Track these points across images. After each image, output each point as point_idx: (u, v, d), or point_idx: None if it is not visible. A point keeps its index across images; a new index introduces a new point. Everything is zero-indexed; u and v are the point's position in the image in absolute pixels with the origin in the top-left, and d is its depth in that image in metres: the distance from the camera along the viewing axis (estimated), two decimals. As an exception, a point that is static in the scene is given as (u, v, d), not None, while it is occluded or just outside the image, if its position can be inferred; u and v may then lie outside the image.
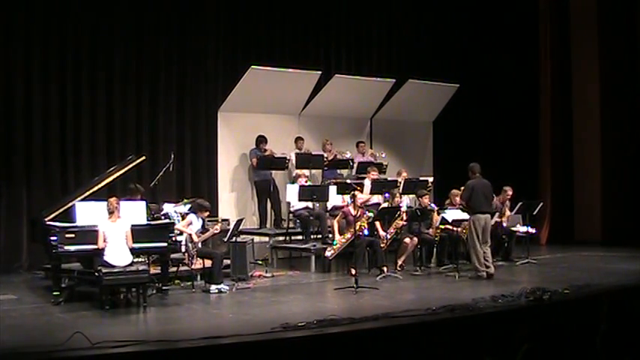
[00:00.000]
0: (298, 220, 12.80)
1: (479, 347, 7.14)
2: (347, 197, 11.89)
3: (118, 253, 8.68)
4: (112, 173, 10.09)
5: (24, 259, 11.77)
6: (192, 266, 10.03)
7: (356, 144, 14.62)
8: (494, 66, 16.60)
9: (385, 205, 12.07)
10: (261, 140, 13.38)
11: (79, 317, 8.18)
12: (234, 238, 10.73)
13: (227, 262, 10.57)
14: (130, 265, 8.71)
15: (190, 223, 9.98)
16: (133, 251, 8.87)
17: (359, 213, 11.23)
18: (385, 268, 11.14)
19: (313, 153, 13.70)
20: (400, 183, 12.87)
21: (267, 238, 12.79)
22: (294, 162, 13.46)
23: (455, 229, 11.84)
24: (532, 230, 13.27)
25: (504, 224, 12.74)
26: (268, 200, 13.47)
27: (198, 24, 13.56)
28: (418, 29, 16.52)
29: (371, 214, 11.54)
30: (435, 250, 12.39)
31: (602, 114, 15.92)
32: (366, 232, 11.36)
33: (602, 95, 15.93)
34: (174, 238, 9.57)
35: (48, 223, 9.16)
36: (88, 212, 9.18)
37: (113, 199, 9.02)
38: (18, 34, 11.79)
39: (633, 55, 15.65)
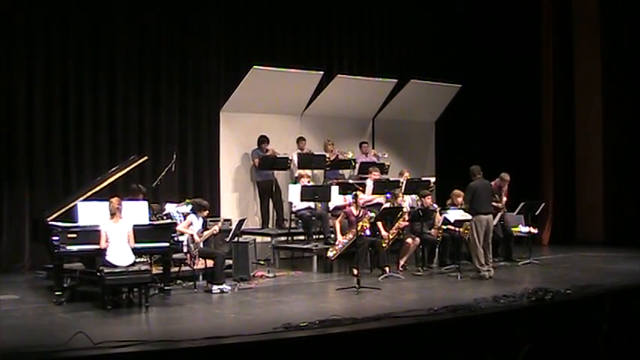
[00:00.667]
0: (300, 221, 12.80)
1: (481, 347, 7.14)
2: (349, 197, 11.89)
3: (120, 253, 8.68)
4: (114, 173, 10.08)
5: (26, 259, 11.76)
6: (194, 266, 10.03)
7: (359, 144, 14.62)
8: (496, 66, 16.60)
9: (387, 205, 12.07)
10: (262, 140, 13.38)
11: (81, 317, 8.18)
12: (236, 238, 10.73)
13: (229, 262, 10.57)
14: (132, 265, 8.71)
15: (191, 224, 9.98)
16: (135, 251, 8.86)
17: (361, 213, 11.23)
18: (387, 269, 11.14)
19: (315, 153, 13.70)
20: (402, 183, 12.87)
21: (269, 239, 12.79)
22: (296, 162, 13.47)
23: (457, 229, 11.83)
24: (534, 230, 13.27)
25: (501, 213, 12.57)
26: (270, 200, 13.48)
27: (200, 24, 13.56)
28: (420, 29, 16.51)
29: (373, 215, 11.53)
30: (437, 250, 12.38)
31: (605, 114, 15.91)
32: (367, 232, 11.35)
33: (604, 95, 15.92)
34: (176, 239, 9.58)
35: (50, 223, 9.15)
36: (90, 212, 9.18)
37: (115, 200, 9.03)
38: (20, 35, 11.78)
39: (636, 55, 15.62)
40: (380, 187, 12.63)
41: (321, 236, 12.47)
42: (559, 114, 16.34)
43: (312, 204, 12.44)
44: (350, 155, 13.95)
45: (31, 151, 11.90)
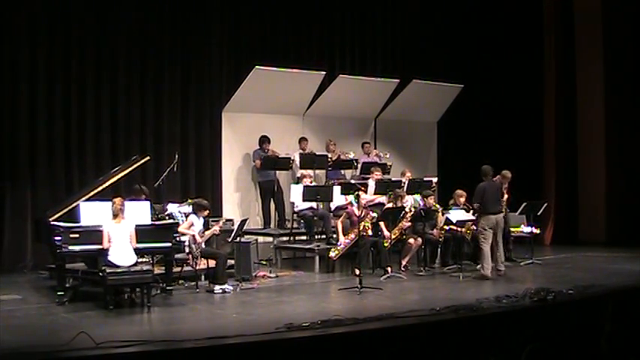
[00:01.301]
0: (302, 221, 12.80)
1: (483, 348, 7.14)
2: (350, 197, 11.88)
3: (122, 253, 8.69)
4: (116, 173, 10.09)
5: (28, 259, 11.77)
6: (196, 266, 10.04)
7: (361, 144, 14.63)
8: (498, 66, 16.59)
9: (389, 205, 12.07)
10: (264, 140, 13.39)
11: (83, 317, 8.19)
12: (238, 239, 10.73)
13: (231, 262, 10.57)
14: (134, 265, 8.71)
15: (192, 225, 9.97)
16: (137, 251, 8.87)
17: (363, 213, 11.22)
18: (389, 269, 11.15)
19: (317, 153, 13.69)
20: (404, 183, 12.88)
21: (271, 239, 12.80)
22: (298, 162, 13.47)
23: (459, 229, 11.83)
24: (536, 231, 13.26)
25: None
26: (272, 200, 13.48)
27: (202, 24, 13.57)
28: (422, 29, 16.50)
29: (375, 215, 11.53)
30: (439, 250, 12.38)
31: (607, 114, 15.89)
32: (370, 232, 11.35)
33: (606, 96, 15.90)
34: (177, 239, 9.58)
35: (52, 223, 9.16)
36: (92, 212, 9.19)
37: (118, 200, 9.03)
38: (22, 35, 11.80)
39: (638, 55, 15.61)
40: (382, 187, 12.64)
41: (323, 236, 12.48)
42: (561, 114, 16.32)
43: (314, 204, 12.44)
44: (352, 155, 13.95)
45: (33, 151, 11.92)
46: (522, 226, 13.13)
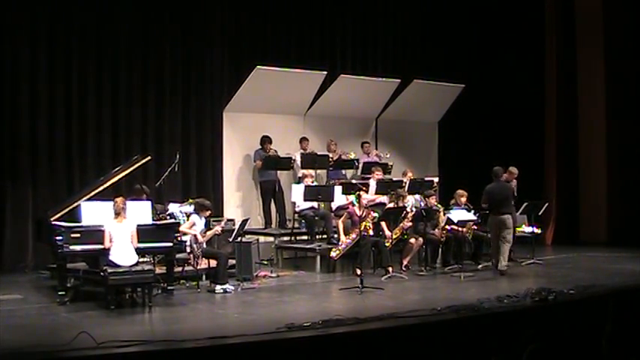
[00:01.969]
0: (303, 221, 12.81)
1: (484, 348, 7.14)
2: (351, 197, 11.88)
3: (123, 252, 8.68)
4: (117, 173, 10.09)
5: (29, 258, 11.78)
6: (198, 266, 10.04)
7: (361, 144, 14.63)
8: (499, 66, 16.59)
9: (390, 205, 12.07)
10: (265, 140, 13.39)
11: (84, 317, 8.18)
12: (239, 239, 10.73)
13: (232, 262, 10.57)
14: (136, 264, 8.70)
15: (194, 224, 9.97)
16: (138, 251, 8.87)
17: (364, 213, 11.22)
18: (390, 269, 11.14)
19: (318, 153, 13.69)
20: (405, 183, 12.88)
21: (272, 239, 12.79)
22: (299, 162, 13.47)
23: (460, 229, 11.83)
24: (537, 231, 13.24)
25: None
26: (273, 200, 13.47)
27: (203, 24, 13.57)
28: (423, 29, 16.51)
29: (376, 215, 11.52)
30: (440, 250, 12.37)
31: (608, 114, 15.89)
32: (371, 232, 11.35)
33: (607, 96, 15.89)
34: (179, 238, 9.58)
35: (53, 222, 9.16)
36: (93, 212, 9.18)
37: (120, 199, 9.03)
38: (24, 35, 11.81)
39: (639, 56, 15.60)
40: (383, 187, 12.64)
41: (325, 236, 12.47)
42: (562, 114, 16.31)
43: (315, 204, 12.45)
44: (352, 155, 13.95)
45: (34, 150, 11.93)
46: (524, 226, 13.11)
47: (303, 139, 14.02)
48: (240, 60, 13.93)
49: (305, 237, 12.78)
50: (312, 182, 12.68)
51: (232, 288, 9.84)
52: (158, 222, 9.88)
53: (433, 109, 16.30)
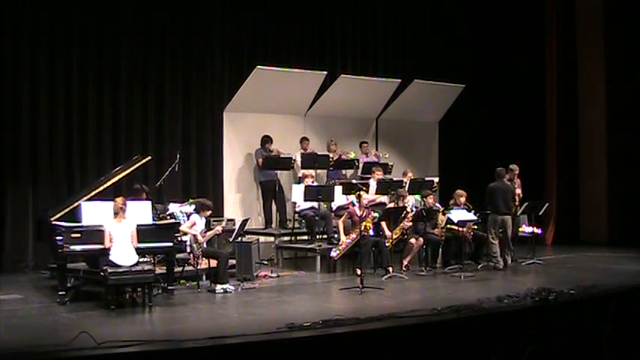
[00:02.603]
0: (303, 221, 12.81)
1: (484, 348, 7.13)
2: (352, 197, 11.87)
3: (123, 252, 8.69)
4: (117, 173, 10.10)
5: (30, 258, 11.78)
6: (198, 266, 10.04)
7: (359, 144, 14.62)
8: (500, 66, 16.60)
9: (391, 205, 12.07)
10: (266, 140, 13.39)
11: (84, 317, 8.19)
12: (239, 238, 10.73)
13: (232, 262, 10.57)
14: (136, 264, 8.71)
15: (194, 224, 9.97)
16: (138, 251, 8.87)
17: (364, 213, 11.22)
18: (391, 269, 11.14)
19: (318, 153, 13.69)
20: (406, 183, 12.88)
21: (272, 238, 12.79)
22: (299, 162, 13.47)
23: (460, 229, 11.83)
24: (538, 230, 13.24)
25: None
26: (274, 200, 13.47)
27: (204, 24, 13.57)
28: (424, 29, 16.51)
29: (376, 215, 11.52)
30: (440, 250, 12.37)
31: (608, 114, 15.89)
32: (371, 232, 11.35)
33: (608, 95, 15.89)
34: (179, 238, 9.58)
35: (54, 222, 9.17)
36: (93, 212, 9.19)
37: (120, 199, 9.04)
38: (24, 34, 11.81)
39: (640, 55, 15.64)
40: (383, 187, 12.64)
41: (325, 236, 12.47)
42: (562, 114, 16.31)
43: (315, 204, 12.45)
44: (353, 155, 13.95)
45: (34, 150, 11.93)
46: (524, 226, 13.11)
47: (303, 139, 14.02)
48: (241, 60, 13.93)
49: (305, 237, 12.78)
50: (313, 182, 12.68)
51: (232, 288, 9.84)
52: (158, 222, 9.88)
53: (433, 109, 16.29)
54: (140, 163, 10.26)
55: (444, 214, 12.07)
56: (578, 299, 9.11)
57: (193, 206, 10.65)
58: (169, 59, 13.22)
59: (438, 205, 12.53)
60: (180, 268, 10.18)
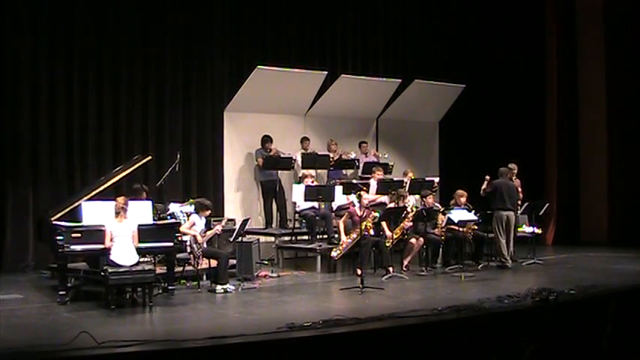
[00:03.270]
0: (304, 221, 12.81)
1: (485, 348, 7.13)
2: (352, 197, 11.87)
3: (124, 252, 8.69)
4: (118, 173, 10.10)
5: (30, 258, 11.78)
6: (198, 266, 10.03)
7: (359, 144, 14.63)
8: (500, 66, 16.59)
9: (391, 205, 12.07)
10: (266, 140, 13.38)
11: (84, 317, 8.19)
12: (240, 238, 10.73)
13: (233, 262, 10.56)
14: (136, 264, 8.71)
15: (194, 224, 9.97)
16: (138, 251, 8.87)
17: (365, 213, 11.22)
18: (391, 269, 11.14)
19: (319, 153, 13.69)
20: (406, 183, 12.88)
21: (272, 238, 12.79)
22: (299, 162, 13.46)
23: (461, 229, 11.83)
24: (538, 231, 13.24)
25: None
26: (274, 200, 13.47)
27: (204, 24, 13.57)
28: (424, 29, 16.50)
29: (377, 214, 11.52)
30: (440, 250, 12.38)
31: (609, 114, 15.89)
32: (371, 232, 11.35)
33: (608, 95, 15.89)
34: (179, 238, 9.58)
35: (54, 222, 9.17)
36: (94, 212, 9.19)
37: (121, 199, 9.05)
38: (25, 34, 11.81)
39: (640, 54, 15.64)
40: (383, 187, 12.64)
41: (325, 236, 12.47)
42: (563, 114, 16.32)
43: (316, 204, 12.45)
44: (353, 155, 13.96)
45: (35, 150, 11.93)
46: (524, 225, 13.11)
47: (303, 139, 14.02)
48: (241, 60, 13.94)
49: (305, 237, 12.78)
50: (313, 182, 12.68)
51: (233, 288, 9.84)
52: (159, 222, 9.88)
53: (434, 109, 16.30)
54: (140, 163, 10.27)
55: (444, 214, 12.07)
56: (578, 299, 9.11)
57: (193, 206, 10.65)
58: (170, 59, 13.22)
59: (437, 205, 12.53)
60: (180, 268, 10.18)
